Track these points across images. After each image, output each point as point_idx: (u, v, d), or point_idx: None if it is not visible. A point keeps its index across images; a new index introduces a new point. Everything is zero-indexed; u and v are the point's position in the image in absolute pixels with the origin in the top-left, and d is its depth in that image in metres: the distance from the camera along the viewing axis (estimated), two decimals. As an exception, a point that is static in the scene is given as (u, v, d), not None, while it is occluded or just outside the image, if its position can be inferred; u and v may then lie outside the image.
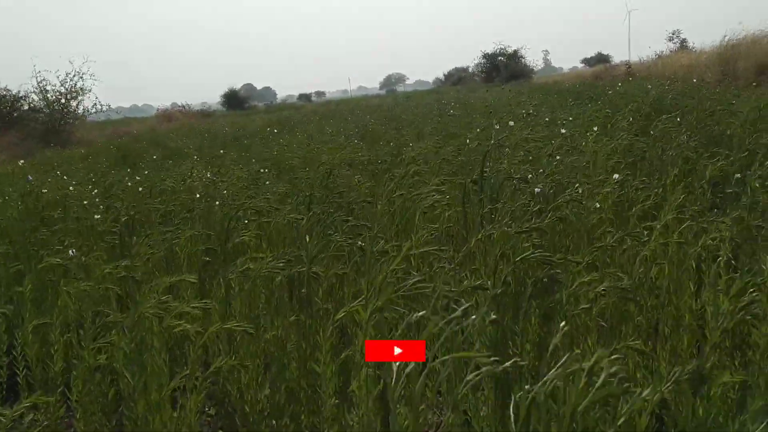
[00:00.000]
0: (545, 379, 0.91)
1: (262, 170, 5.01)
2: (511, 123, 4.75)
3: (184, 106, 36.76)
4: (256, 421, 2.16)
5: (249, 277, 2.36)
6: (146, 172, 6.37)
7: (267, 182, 4.25)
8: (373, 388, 1.73)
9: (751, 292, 1.54)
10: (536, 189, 2.51)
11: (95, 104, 22.80)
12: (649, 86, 7.25)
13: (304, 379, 2.22)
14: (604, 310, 2.06)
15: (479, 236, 2.43)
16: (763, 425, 1.35)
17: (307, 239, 2.20)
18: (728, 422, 1.53)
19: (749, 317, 1.55)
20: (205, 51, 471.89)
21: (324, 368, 1.99)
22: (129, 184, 5.08)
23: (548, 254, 1.99)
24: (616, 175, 2.97)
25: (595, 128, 4.31)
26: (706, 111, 5.20)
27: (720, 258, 1.81)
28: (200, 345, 1.76)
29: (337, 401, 2.01)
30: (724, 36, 17.57)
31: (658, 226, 2.18)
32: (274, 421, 2.17)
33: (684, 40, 27.96)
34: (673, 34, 28.74)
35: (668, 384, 1.33)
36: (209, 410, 2.66)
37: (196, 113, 34.70)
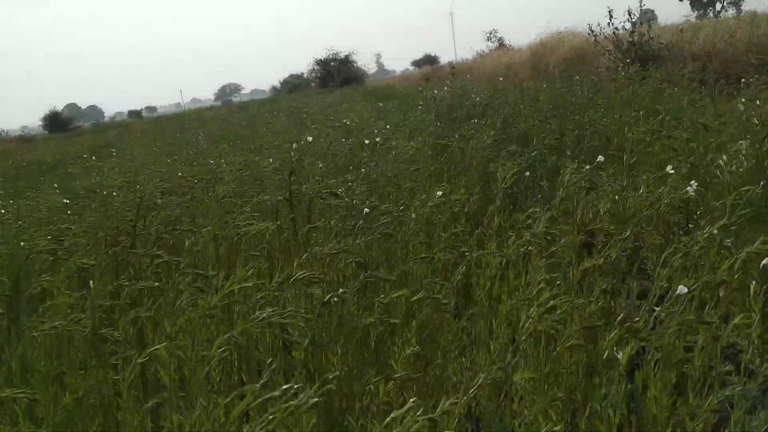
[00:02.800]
0: None
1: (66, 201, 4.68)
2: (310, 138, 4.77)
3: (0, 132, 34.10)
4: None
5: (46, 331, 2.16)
6: None
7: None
8: None
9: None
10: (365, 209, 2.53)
11: None
12: (473, 95, 7.65)
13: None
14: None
15: (300, 259, 2.43)
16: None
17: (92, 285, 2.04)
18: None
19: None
20: (24, 69, 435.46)
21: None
22: None
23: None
24: (439, 192, 3.04)
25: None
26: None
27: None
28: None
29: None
30: (537, 35, 18.89)
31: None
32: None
33: (501, 39, 29.69)
34: (490, 33, 30.37)
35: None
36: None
37: (15, 139, 32.20)
